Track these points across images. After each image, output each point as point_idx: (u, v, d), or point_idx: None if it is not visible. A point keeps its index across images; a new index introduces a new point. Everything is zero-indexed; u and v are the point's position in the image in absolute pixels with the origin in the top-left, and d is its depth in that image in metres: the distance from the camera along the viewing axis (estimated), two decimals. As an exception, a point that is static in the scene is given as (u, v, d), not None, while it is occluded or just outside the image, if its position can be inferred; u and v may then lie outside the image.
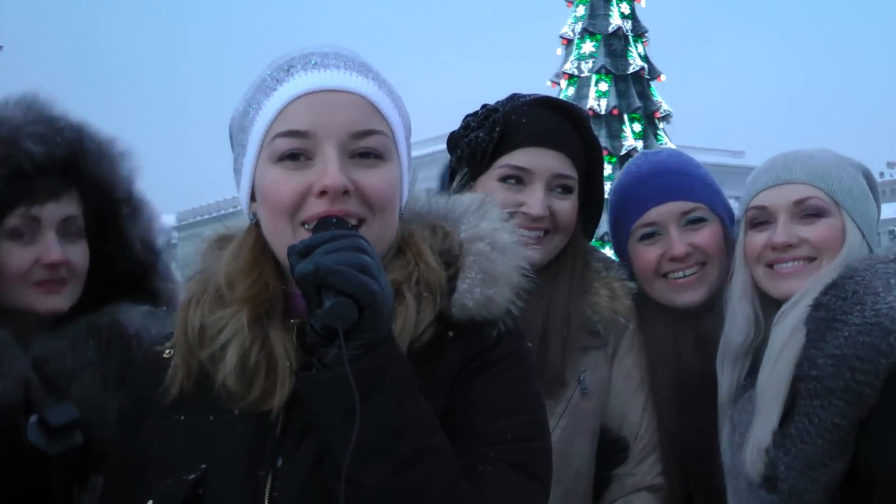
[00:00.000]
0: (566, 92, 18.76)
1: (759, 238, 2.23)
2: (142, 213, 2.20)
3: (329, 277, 1.34)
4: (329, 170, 1.48)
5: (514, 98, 2.44)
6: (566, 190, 2.36)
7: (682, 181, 2.51)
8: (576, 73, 19.30)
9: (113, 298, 2.11)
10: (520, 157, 2.33)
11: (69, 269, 2.05)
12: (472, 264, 1.58)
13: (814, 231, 2.18)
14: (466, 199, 1.69)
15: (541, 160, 2.33)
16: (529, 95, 2.44)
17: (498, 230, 1.62)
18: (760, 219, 2.25)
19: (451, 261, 1.60)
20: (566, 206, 2.35)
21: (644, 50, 19.57)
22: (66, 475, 1.94)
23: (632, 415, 2.38)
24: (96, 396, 1.98)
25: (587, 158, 2.40)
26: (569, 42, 20.17)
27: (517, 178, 2.34)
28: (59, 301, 2.05)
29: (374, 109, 1.55)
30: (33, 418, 1.89)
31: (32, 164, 2.02)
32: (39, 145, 2.04)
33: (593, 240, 2.57)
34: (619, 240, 2.58)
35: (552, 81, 19.46)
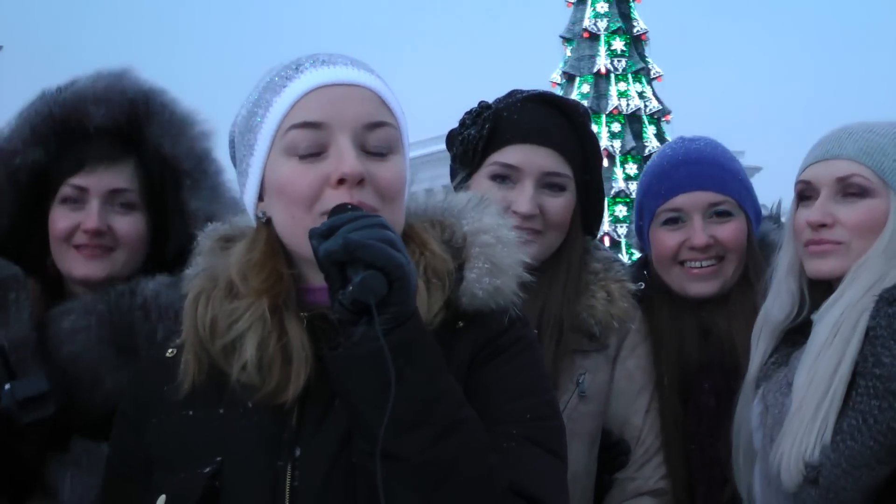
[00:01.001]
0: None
1: (802, 214, 2.12)
2: (205, 187, 2.16)
3: (358, 251, 1.35)
4: (346, 158, 1.50)
5: (511, 94, 2.40)
6: (557, 187, 2.29)
7: (714, 172, 2.48)
8: (575, 73, 19.39)
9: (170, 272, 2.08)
10: (508, 155, 2.29)
11: (115, 238, 2.08)
12: (479, 255, 1.59)
13: (850, 213, 2.03)
14: (464, 197, 1.71)
15: (530, 157, 2.28)
16: (527, 91, 2.39)
17: (500, 226, 1.64)
18: (806, 193, 2.13)
19: (455, 253, 1.61)
20: (557, 205, 2.29)
21: (644, 49, 19.70)
22: (38, 442, 1.97)
23: (634, 418, 2.33)
24: (89, 358, 2.00)
25: (584, 155, 2.35)
26: (567, 41, 20.28)
27: (506, 176, 2.28)
28: (97, 268, 2.07)
29: (383, 103, 1.58)
30: (7, 385, 1.92)
31: (91, 126, 2.06)
32: (100, 107, 2.07)
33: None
34: (643, 220, 2.56)
35: (553, 82, 19.56)
